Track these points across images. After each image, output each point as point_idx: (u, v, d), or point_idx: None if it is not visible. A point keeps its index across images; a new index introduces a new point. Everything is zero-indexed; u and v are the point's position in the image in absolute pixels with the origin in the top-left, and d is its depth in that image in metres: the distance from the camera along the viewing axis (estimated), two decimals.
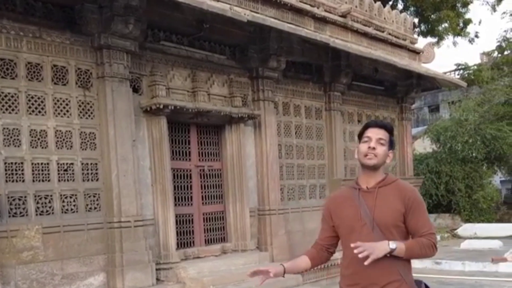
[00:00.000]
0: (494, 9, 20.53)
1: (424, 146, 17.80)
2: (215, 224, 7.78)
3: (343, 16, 9.40)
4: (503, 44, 20.83)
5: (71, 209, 5.95)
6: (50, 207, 5.78)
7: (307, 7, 8.60)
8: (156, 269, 6.49)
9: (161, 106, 6.59)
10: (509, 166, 17.89)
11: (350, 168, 10.18)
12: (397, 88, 11.33)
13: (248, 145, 8.09)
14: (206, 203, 7.67)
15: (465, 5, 19.32)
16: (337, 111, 9.71)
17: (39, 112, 5.76)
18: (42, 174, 5.74)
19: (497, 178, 20.19)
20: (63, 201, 5.89)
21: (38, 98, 5.76)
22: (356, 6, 9.78)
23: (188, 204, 7.43)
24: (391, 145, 2.60)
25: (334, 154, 9.59)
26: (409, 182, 10.82)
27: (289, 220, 8.69)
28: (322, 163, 9.53)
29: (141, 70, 6.75)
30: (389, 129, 2.59)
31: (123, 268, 6.07)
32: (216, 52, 7.75)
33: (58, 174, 5.86)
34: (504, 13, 26.39)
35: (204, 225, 7.60)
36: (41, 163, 5.73)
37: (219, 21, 7.01)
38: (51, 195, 5.79)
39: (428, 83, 12.02)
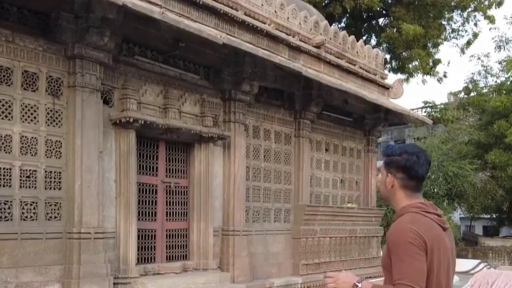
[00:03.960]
0: (463, 51, 21.49)
1: None
2: (178, 241, 7.73)
3: (317, 47, 9.68)
4: (470, 86, 21.67)
5: (31, 217, 5.84)
6: (9, 213, 5.66)
7: (283, 35, 8.83)
8: (114, 283, 6.38)
9: (131, 120, 6.60)
10: (469, 203, 18.42)
11: (315, 194, 10.32)
12: (365, 120, 11.62)
13: (216, 165, 8.14)
14: (170, 219, 7.63)
15: (436, 45, 20.15)
16: (306, 138, 9.89)
17: (6, 116, 5.69)
18: (4, 179, 5.64)
19: (456, 215, 20.71)
20: (23, 208, 5.78)
21: (6, 102, 5.70)
22: (330, 38, 10.09)
23: (152, 220, 7.39)
24: (388, 167, 2.41)
25: (301, 180, 9.71)
26: (371, 213, 10.81)
27: (253, 242, 8.70)
28: (289, 188, 9.64)
29: (113, 83, 6.77)
30: (384, 154, 2.45)
31: (80, 280, 5.95)
32: (190, 71, 7.85)
33: (20, 180, 5.76)
34: (472, 56, 27.52)
35: (166, 241, 7.54)
36: (3, 168, 5.64)
37: (195, 41, 7.13)
38: (11, 201, 5.68)
39: (396, 118, 12.37)
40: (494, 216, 24.06)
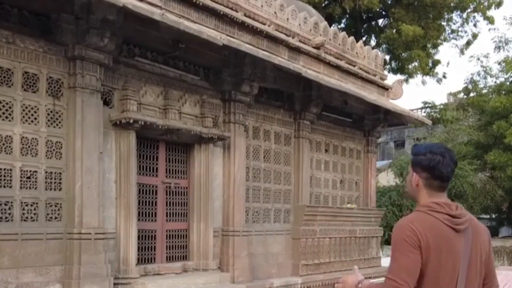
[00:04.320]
0: (462, 52, 21.55)
1: (388, 179, 18.22)
2: (178, 242, 7.74)
3: (317, 48, 9.69)
4: (470, 86, 21.70)
5: (31, 218, 5.85)
6: (9, 214, 5.67)
7: (282, 36, 8.84)
8: (114, 284, 6.39)
9: (131, 121, 6.62)
10: (468, 204, 18.43)
11: (315, 195, 10.33)
12: (365, 121, 11.64)
13: (216, 166, 8.16)
14: (170, 220, 7.65)
15: (435, 46, 20.20)
16: (306, 139, 9.90)
17: (6, 117, 5.71)
18: (4, 180, 5.65)
19: None
20: (23, 209, 5.79)
21: (7, 103, 5.72)
22: (330, 39, 10.11)
23: (152, 220, 7.40)
24: (414, 166, 2.44)
25: (301, 180, 9.73)
26: (371, 214, 10.88)
27: (252, 242, 8.71)
28: (288, 189, 9.65)
29: (114, 84, 6.79)
30: (411, 153, 2.49)
31: (80, 280, 5.96)
32: (190, 72, 7.87)
33: (21, 181, 5.78)
34: (471, 56, 27.58)
35: (166, 242, 7.56)
36: (4, 169, 5.65)
37: (195, 42, 7.15)
38: (11, 202, 5.69)
39: (395, 119, 12.39)
40: (493, 216, 24.09)
